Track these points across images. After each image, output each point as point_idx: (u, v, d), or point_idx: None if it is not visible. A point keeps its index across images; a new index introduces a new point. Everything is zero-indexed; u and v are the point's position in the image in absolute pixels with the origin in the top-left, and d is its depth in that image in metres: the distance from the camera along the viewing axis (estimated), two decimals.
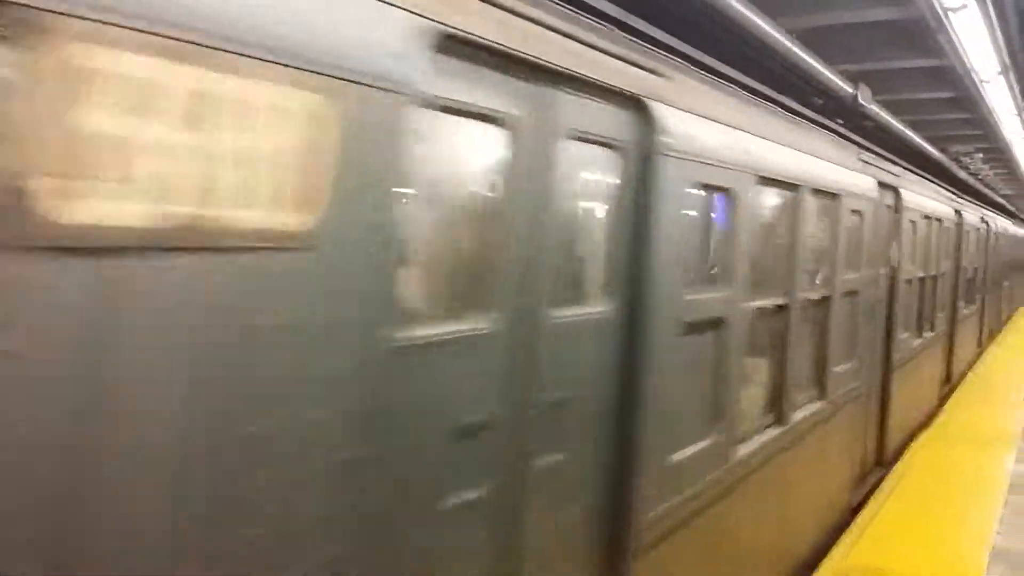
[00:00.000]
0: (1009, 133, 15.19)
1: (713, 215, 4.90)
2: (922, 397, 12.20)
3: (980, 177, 24.89)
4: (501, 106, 2.97)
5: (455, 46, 2.66)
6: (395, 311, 2.48)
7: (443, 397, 2.78)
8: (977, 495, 9.08)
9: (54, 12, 1.67)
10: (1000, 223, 23.19)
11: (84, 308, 1.77)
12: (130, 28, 1.79)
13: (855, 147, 8.51)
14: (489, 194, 3.05)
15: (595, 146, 3.54)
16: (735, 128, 4.87)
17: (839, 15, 9.65)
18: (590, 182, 3.66)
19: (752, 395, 5.52)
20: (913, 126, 14.51)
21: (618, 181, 3.73)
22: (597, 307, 3.65)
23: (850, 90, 10.75)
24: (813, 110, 10.08)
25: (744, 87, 6.13)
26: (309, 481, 2.24)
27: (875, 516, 8.16)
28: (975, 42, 9.89)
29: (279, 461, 2.16)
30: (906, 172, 10.89)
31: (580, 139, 3.39)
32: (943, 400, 13.88)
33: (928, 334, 11.88)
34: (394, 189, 2.42)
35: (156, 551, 1.93)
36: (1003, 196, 32.36)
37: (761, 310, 5.39)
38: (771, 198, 5.76)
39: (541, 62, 3.10)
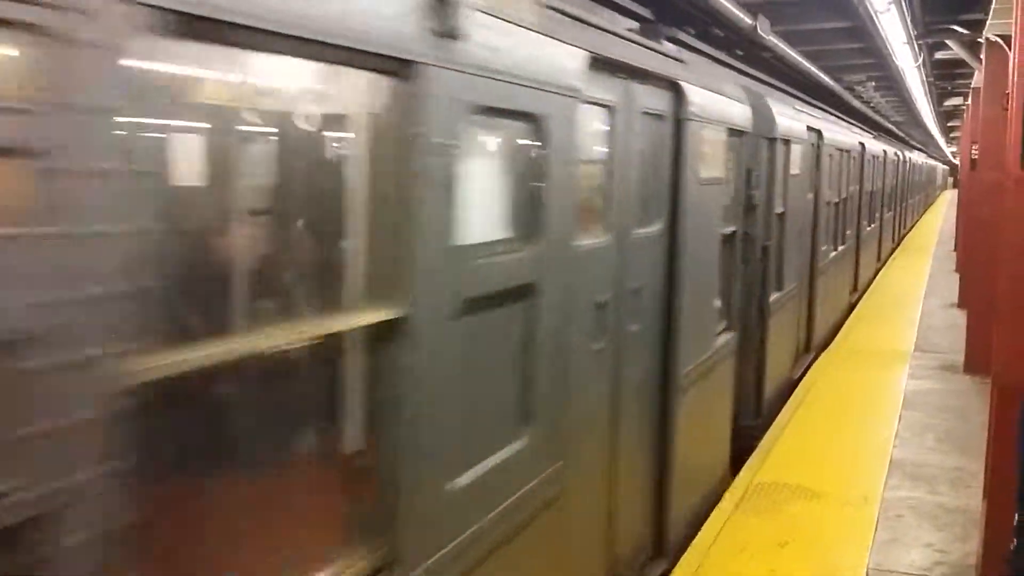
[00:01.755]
0: (901, 62, 15.57)
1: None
2: (837, 300, 14.28)
3: (872, 105, 25.56)
4: (610, 96, 4.54)
5: (593, 62, 4.11)
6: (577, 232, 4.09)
7: (591, 284, 4.36)
8: (875, 410, 9.53)
9: None
10: (893, 151, 24.36)
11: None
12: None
13: (792, 99, 11.01)
14: (604, 151, 4.58)
15: (651, 118, 5.14)
16: (727, 97, 6.70)
17: None
18: (649, 142, 5.17)
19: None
20: (809, 56, 14.76)
21: (663, 139, 5.37)
22: (656, 227, 5.31)
23: (749, 21, 10.86)
24: (713, 43, 10.18)
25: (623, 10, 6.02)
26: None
27: (781, 433, 8.50)
28: None
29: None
30: (825, 115, 12.08)
31: (645, 114, 5.01)
32: (852, 307, 15.94)
33: (840, 247, 13.95)
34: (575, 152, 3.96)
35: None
36: (893, 123, 33.33)
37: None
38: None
39: (628, 63, 4.65)
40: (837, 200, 13.17)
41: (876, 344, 13.04)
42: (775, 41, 12.11)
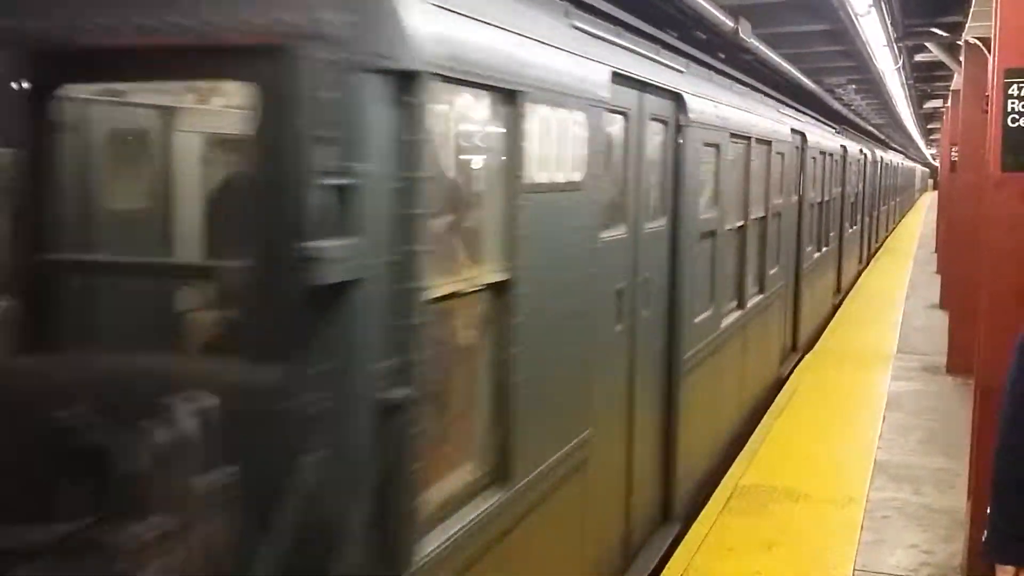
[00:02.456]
0: (881, 65, 15.66)
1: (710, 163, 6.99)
2: (820, 302, 14.60)
3: (853, 108, 25.70)
4: (625, 104, 5.11)
5: (615, 76, 4.74)
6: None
7: (611, 273, 4.96)
8: (859, 412, 9.57)
9: None
10: (876, 153, 24.24)
11: None
12: None
13: (774, 102, 11.23)
14: (620, 153, 5.19)
15: (658, 123, 5.85)
16: (718, 102, 7.23)
17: None
18: (657, 144, 5.90)
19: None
20: (790, 59, 14.83)
21: (666, 142, 6.07)
22: (660, 223, 5.95)
23: (731, 24, 10.90)
24: (695, 45, 10.21)
25: (634, 29, 6.16)
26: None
27: (767, 436, 8.53)
28: None
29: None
30: (807, 118, 12.28)
31: (653, 119, 5.71)
32: (835, 308, 16.12)
33: (824, 248, 14.29)
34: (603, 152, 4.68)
35: None
36: (874, 125, 33.52)
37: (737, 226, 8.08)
38: (736, 148, 7.92)
39: (640, 78, 5.33)
40: (820, 202, 13.53)
41: (859, 346, 13.11)
42: (757, 44, 12.16)
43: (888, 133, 39.75)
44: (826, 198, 14.08)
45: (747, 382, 8.91)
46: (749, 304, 8.61)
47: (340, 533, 2.68)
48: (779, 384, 10.51)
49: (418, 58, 2.78)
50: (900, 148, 48.27)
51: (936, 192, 39.57)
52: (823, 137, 14.13)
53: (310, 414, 2.62)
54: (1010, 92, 5.31)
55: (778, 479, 7.38)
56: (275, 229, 2.62)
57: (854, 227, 18.86)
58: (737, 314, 8.18)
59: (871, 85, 20.11)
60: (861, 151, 19.48)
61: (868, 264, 22.82)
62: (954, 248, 13.45)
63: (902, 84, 19.56)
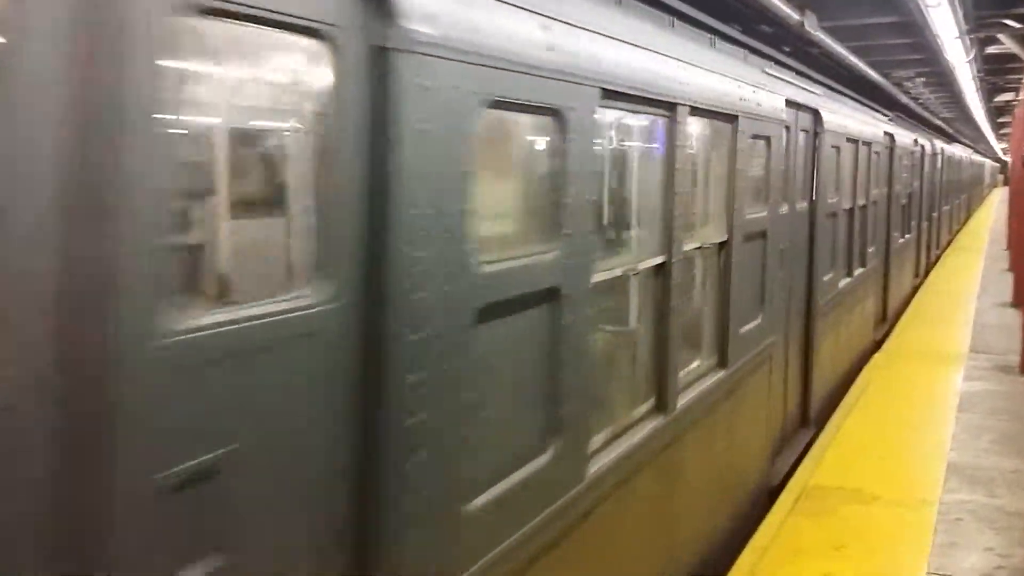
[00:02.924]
0: (951, 57, 15.31)
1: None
2: (854, 343, 11.38)
3: (920, 101, 25.16)
4: (788, 120, 7.04)
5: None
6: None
7: (779, 237, 6.91)
8: (930, 412, 9.36)
9: None
10: (937, 145, 21.67)
11: None
12: None
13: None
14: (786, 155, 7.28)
15: (803, 132, 7.91)
16: (840, 114, 9.39)
17: None
18: (803, 147, 8.08)
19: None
20: (857, 52, 14.55)
21: (808, 146, 8.14)
22: (804, 204, 8.19)
23: (797, 17, 10.74)
24: (760, 38, 10.07)
25: (693, 20, 6.10)
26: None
27: (836, 435, 8.38)
28: None
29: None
30: (829, 92, 10.87)
31: (801, 131, 7.88)
32: (879, 344, 12.85)
33: (858, 271, 11.11)
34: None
35: None
36: (942, 119, 32.80)
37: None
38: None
39: (795, 100, 7.54)
40: (851, 207, 10.28)
41: (930, 344, 12.83)
42: (822, 37, 11.96)
43: (957, 127, 38.87)
44: (861, 203, 10.84)
45: (852, 336, 11.07)
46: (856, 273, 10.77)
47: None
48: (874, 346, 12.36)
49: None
50: (969, 142, 47.17)
51: (1007, 188, 38.55)
52: (852, 119, 10.64)
53: None
54: None
55: (848, 480, 7.24)
56: None
57: (907, 235, 15.67)
58: (847, 280, 10.39)
59: (940, 78, 19.67)
60: (917, 142, 17.17)
61: (925, 278, 19.31)
62: None
63: (973, 77, 19.10)
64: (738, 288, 5.80)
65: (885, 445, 8.19)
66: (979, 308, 15.87)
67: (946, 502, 6.89)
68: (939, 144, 22.97)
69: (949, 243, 27.43)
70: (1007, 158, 52.64)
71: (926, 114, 27.03)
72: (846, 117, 9.60)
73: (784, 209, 7.13)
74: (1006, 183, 49.87)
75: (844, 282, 10.01)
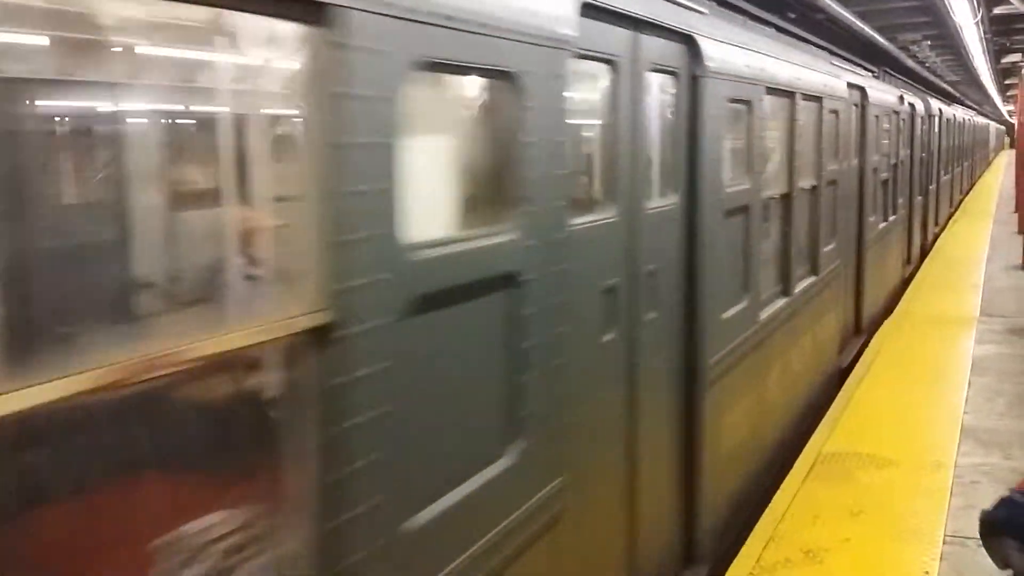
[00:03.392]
0: (959, 18, 15.19)
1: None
2: (888, 276, 13.52)
3: (928, 65, 24.98)
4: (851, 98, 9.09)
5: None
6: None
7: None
8: (943, 377, 9.35)
9: None
10: (934, 105, 19.03)
11: None
12: None
13: (826, 53, 9.95)
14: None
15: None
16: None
17: None
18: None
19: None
20: (864, 17, 14.45)
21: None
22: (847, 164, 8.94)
23: None
24: (763, 6, 9.97)
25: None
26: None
27: (850, 401, 8.39)
28: None
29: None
30: (867, 71, 11.42)
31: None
32: (907, 281, 14.81)
33: (892, 217, 13.06)
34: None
35: None
36: (949, 83, 32.56)
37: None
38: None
39: (859, 84, 10.09)
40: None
41: (940, 309, 12.80)
42: (828, 2, 11.88)
43: (963, 91, 38.59)
44: (893, 161, 12.47)
45: (888, 270, 13.14)
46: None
47: None
48: (839, 373, 9.66)
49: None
50: (974, 105, 46.83)
51: (1014, 150, 38.32)
52: (886, 93, 12.03)
53: None
54: None
55: (863, 446, 7.25)
56: None
57: (891, 217, 13.03)
58: (884, 223, 12.26)
59: (947, 40, 19.51)
60: (903, 100, 13.72)
61: (916, 271, 16.14)
62: None
63: (980, 39, 18.95)
64: (823, 219, 8.09)
65: (899, 410, 8.19)
66: (989, 272, 15.82)
67: (962, 465, 6.89)
68: (936, 105, 19.41)
69: (951, 216, 25.04)
70: (1013, 120, 52.30)
71: (932, 77, 26.83)
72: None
73: (844, 165, 9.17)
74: (1012, 146, 49.57)
75: (882, 225, 11.95)
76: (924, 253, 17.79)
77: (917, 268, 16.31)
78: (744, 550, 5.57)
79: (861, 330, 11.00)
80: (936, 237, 20.09)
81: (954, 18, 15.14)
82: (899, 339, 10.96)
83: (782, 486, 6.48)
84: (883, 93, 12.14)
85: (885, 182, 12.27)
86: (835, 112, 8.55)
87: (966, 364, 9.78)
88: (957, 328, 11.53)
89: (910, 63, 21.99)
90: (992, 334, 11.13)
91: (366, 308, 2.37)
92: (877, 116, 11.20)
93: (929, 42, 20.43)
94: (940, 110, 19.54)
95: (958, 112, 27.93)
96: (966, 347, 10.55)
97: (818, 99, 7.87)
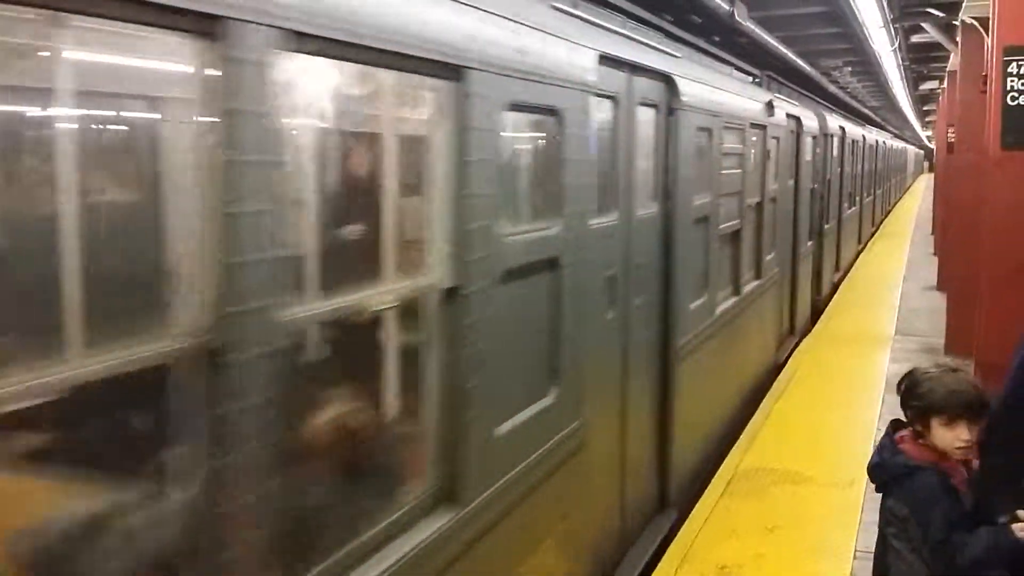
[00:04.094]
0: (877, 46, 15.64)
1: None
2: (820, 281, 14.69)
3: (849, 90, 25.65)
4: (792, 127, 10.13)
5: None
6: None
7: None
8: (858, 394, 9.56)
9: None
10: (832, 123, 15.39)
11: None
12: None
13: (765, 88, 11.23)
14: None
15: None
16: (713, 87, 7.14)
17: None
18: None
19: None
20: (785, 41, 14.78)
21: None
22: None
23: (727, 7, 10.87)
24: (689, 29, 10.15)
25: (625, 12, 6.16)
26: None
27: (767, 418, 8.52)
28: None
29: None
30: (801, 99, 11.99)
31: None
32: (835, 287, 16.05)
33: (811, 241, 13.45)
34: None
35: None
36: (870, 108, 33.48)
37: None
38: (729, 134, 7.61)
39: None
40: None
41: (857, 328, 13.10)
42: (751, 27, 12.12)
43: (884, 116, 39.72)
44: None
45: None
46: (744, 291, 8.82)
47: None
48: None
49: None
50: (895, 129, 48.20)
51: (932, 175, 39.48)
52: (816, 120, 13.03)
53: None
54: (1009, 70, 5.30)
55: (779, 462, 7.37)
56: None
57: (852, 208, 15.62)
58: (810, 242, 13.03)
59: (867, 67, 20.08)
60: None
61: (865, 246, 17.83)
62: (952, 229, 13.44)
63: (898, 65, 19.53)
64: (766, 231, 8.88)
65: (815, 426, 8.35)
66: (905, 292, 16.26)
67: None
68: (836, 123, 15.92)
69: (858, 255, 21.19)
70: (932, 145, 53.93)
71: (854, 103, 27.55)
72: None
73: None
74: (931, 170, 51.11)
75: (809, 243, 12.90)
76: (882, 219, 18.31)
77: (883, 220, 18.26)
78: (659, 570, 5.61)
79: (794, 331, 12.16)
80: (883, 220, 20.25)
81: (872, 46, 15.58)
82: (816, 357, 11.19)
83: (699, 502, 6.55)
84: (875, 135, 14.27)
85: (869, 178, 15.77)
86: (776, 138, 9.86)
87: (881, 382, 10.02)
88: (873, 347, 11.81)
89: (833, 89, 22.59)
90: (906, 352, 11.41)
91: (478, 276, 3.40)
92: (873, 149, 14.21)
93: (850, 68, 21.02)
94: (841, 128, 16.68)
95: (872, 134, 25.72)
96: (881, 365, 10.81)
97: (763, 127, 9.14)
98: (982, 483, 3.40)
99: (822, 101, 18.48)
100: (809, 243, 13.17)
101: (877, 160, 25.64)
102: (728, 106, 7.46)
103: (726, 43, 11.97)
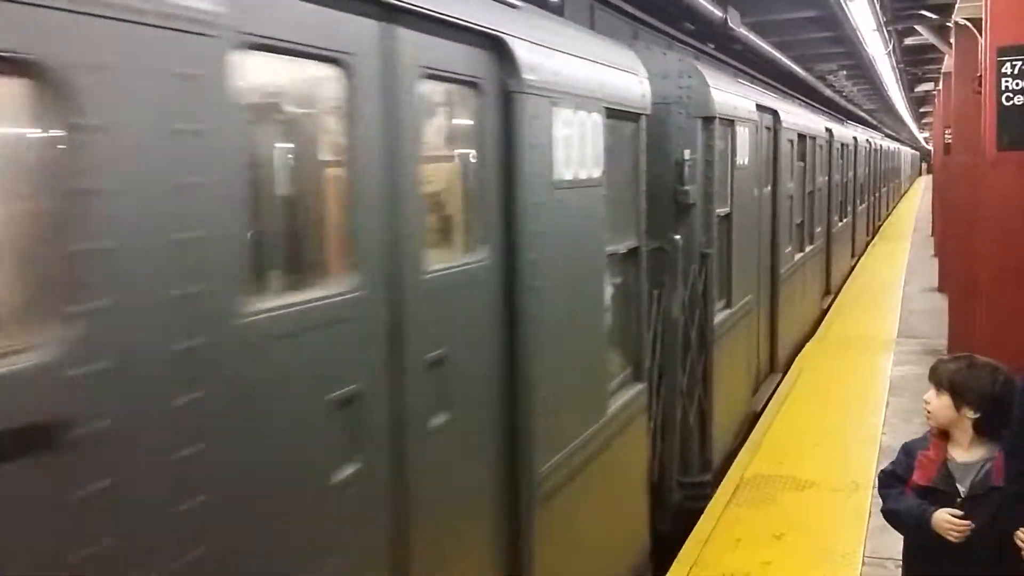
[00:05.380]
0: (871, 49, 15.65)
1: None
2: (807, 306, 13.18)
3: (844, 94, 25.68)
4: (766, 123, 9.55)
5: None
6: None
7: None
8: (862, 398, 9.54)
9: None
10: (817, 126, 13.37)
11: None
12: None
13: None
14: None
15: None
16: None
17: None
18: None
19: None
20: (780, 47, 14.80)
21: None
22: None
23: (720, 14, 10.89)
24: (685, 34, 10.17)
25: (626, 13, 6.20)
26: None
27: (772, 425, 8.50)
28: None
29: None
30: (786, 99, 11.40)
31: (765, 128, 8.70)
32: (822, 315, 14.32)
33: (808, 247, 12.74)
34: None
35: None
36: (866, 111, 33.50)
37: None
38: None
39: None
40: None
41: (860, 332, 13.08)
42: (745, 33, 12.14)
43: (880, 118, 39.76)
44: (809, 189, 11.84)
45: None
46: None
47: None
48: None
49: None
50: (892, 132, 48.22)
51: (930, 176, 39.46)
52: (804, 119, 13.11)
53: None
54: (1003, 71, 5.30)
55: (784, 468, 7.34)
56: None
57: (845, 219, 15.36)
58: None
59: (862, 70, 20.09)
60: (854, 137, 12.55)
61: (866, 252, 18.11)
62: (951, 230, 13.42)
63: (893, 68, 19.54)
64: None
65: (819, 432, 8.32)
66: (907, 294, 16.24)
67: None
68: (823, 125, 14.11)
69: (850, 276, 18.72)
70: (930, 147, 53.91)
71: (850, 106, 27.58)
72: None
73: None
74: (929, 171, 51.05)
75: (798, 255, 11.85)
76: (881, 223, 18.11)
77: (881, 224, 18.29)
78: None
79: (775, 367, 10.69)
80: (881, 224, 20.07)
81: (867, 49, 15.59)
82: (820, 361, 11.16)
83: (706, 511, 6.53)
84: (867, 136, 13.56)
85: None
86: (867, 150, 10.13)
87: (884, 385, 10.00)
88: (876, 350, 11.79)
89: (829, 93, 22.63)
90: (909, 355, 11.40)
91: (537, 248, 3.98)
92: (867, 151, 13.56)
93: (845, 72, 21.03)
94: (829, 130, 14.72)
95: (865, 135, 23.51)
96: (884, 368, 10.79)
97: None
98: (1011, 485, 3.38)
99: (818, 105, 18.51)
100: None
101: (871, 164, 24.07)
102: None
103: (721, 49, 12.00)
